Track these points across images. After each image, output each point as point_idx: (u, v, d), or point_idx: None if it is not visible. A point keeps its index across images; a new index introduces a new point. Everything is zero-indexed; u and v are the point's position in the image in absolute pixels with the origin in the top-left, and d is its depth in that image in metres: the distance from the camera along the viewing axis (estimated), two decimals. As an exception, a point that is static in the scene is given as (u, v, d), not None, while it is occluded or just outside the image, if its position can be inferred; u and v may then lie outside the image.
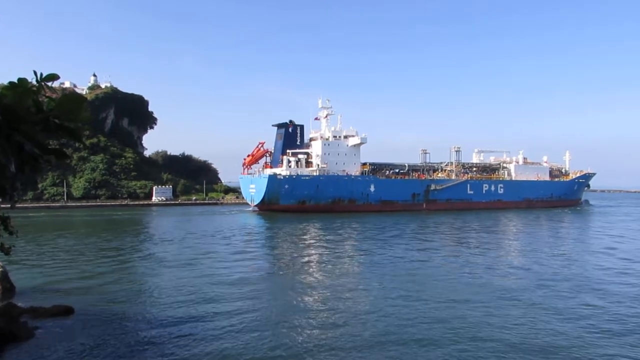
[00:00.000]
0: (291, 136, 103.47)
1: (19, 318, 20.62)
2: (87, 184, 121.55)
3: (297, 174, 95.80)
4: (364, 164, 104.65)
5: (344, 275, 33.56)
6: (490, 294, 27.19)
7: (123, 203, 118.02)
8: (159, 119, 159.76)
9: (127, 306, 24.76)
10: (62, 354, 17.76)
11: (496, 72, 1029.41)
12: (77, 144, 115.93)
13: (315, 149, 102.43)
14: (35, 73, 4.04)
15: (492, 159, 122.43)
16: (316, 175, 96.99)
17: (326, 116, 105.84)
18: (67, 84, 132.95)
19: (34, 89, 3.99)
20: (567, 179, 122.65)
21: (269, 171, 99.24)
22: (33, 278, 31.28)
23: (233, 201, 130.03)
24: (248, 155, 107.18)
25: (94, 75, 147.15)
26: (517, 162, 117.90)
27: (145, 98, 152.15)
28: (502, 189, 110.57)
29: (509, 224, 75.78)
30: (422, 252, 44.37)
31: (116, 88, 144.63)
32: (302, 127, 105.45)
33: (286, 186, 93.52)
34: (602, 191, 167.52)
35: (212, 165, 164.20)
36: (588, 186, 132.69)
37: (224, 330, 20.93)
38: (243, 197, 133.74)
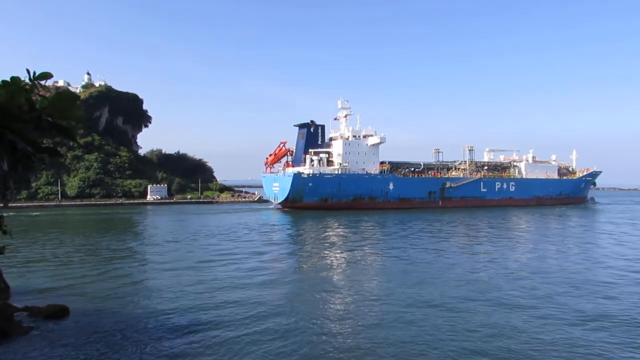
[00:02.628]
0: (312, 136, 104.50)
1: (13, 317, 20.27)
2: (81, 182, 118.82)
3: (320, 173, 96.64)
4: (383, 162, 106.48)
5: (372, 273, 33.36)
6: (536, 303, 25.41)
7: (118, 202, 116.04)
8: (153, 118, 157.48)
9: (125, 307, 23.74)
10: (55, 353, 17.35)
11: (496, 71, 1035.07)
12: (71, 143, 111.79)
13: (336, 148, 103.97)
14: (28, 71, 4.02)
15: (502, 158, 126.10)
16: (338, 174, 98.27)
17: (345, 116, 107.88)
18: (60, 83, 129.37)
19: (27, 87, 3.95)
20: (575, 177, 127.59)
21: (292, 170, 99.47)
22: (28, 277, 30.48)
23: (228, 200, 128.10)
24: (270, 155, 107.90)
25: (88, 73, 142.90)
26: (527, 161, 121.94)
27: (140, 97, 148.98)
28: (513, 187, 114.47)
29: (526, 221, 78.27)
30: (445, 248, 44.36)
31: (110, 87, 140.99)
32: (322, 127, 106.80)
33: (310, 184, 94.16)
34: (597, 189, 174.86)
35: (207, 164, 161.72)
36: (594, 184, 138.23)
37: (226, 332, 19.72)
38: (239, 196, 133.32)
